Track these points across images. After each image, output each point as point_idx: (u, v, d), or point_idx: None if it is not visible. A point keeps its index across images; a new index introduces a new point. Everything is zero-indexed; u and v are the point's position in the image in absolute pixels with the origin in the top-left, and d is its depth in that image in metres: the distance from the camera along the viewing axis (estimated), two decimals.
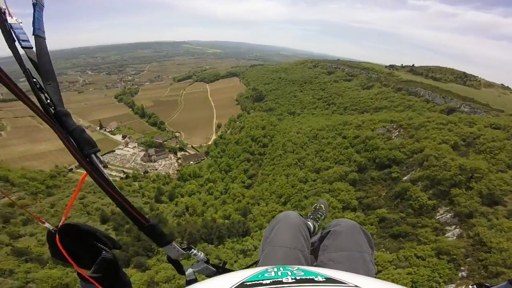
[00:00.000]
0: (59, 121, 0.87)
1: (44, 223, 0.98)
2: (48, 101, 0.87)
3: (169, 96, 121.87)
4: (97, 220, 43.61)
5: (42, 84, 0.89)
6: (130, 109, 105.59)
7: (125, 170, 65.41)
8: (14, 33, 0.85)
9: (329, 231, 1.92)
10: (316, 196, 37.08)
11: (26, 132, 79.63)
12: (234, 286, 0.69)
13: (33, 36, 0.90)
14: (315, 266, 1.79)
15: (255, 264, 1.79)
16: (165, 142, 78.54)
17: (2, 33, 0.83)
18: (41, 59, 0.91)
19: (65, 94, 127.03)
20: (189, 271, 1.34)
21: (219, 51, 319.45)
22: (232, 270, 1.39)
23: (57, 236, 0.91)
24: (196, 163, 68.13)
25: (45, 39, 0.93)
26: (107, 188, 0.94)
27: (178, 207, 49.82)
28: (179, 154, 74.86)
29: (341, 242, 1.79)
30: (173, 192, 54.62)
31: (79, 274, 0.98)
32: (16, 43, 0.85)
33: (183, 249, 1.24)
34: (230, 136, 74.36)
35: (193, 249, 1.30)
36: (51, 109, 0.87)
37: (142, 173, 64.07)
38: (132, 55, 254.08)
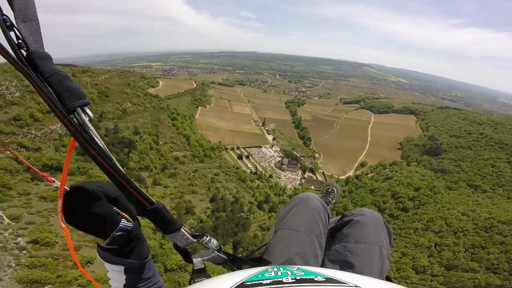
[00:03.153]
0: (31, 64, 0.68)
1: (54, 182, 0.89)
2: (20, 41, 0.67)
3: (328, 116, 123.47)
4: None
5: (13, 21, 0.67)
6: (291, 117, 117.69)
7: (257, 166, 73.82)
8: None
9: (352, 219, 1.80)
10: None
11: (219, 109, 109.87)
12: (234, 286, 0.67)
13: None
14: (328, 254, 1.73)
15: (264, 246, 1.74)
16: (301, 158, 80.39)
17: None
18: None
19: (254, 90, 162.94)
20: (197, 259, 1.21)
21: (403, 81, 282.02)
22: (242, 259, 1.33)
23: (60, 202, 0.77)
24: (316, 190, 65.47)
25: None
26: (97, 157, 0.72)
27: (269, 221, 50.36)
28: (306, 174, 74.55)
29: (362, 233, 1.70)
30: (275, 205, 55.43)
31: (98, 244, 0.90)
32: None
33: (193, 236, 1.08)
34: (368, 181, 65.33)
35: (205, 237, 1.16)
36: (22, 50, 0.68)
37: (267, 176, 69.43)
38: (314, 68, 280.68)
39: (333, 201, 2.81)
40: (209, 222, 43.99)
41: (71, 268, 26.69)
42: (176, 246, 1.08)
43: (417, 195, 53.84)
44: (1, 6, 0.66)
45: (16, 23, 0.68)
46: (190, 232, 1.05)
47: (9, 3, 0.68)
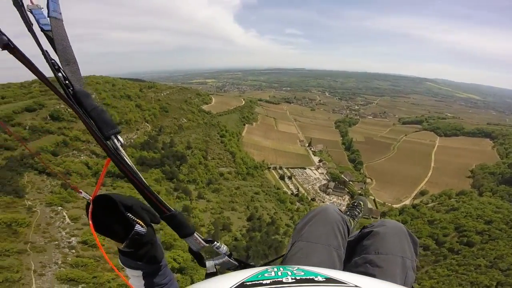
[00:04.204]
0: (77, 100, 0.89)
1: (81, 193, 1.03)
2: (67, 81, 0.89)
3: (384, 138, 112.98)
4: None
5: (60, 65, 0.89)
6: (341, 138, 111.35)
7: (300, 188, 71.29)
8: (34, 17, 0.88)
9: (371, 231, 1.77)
10: None
11: (265, 128, 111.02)
12: (234, 286, 0.69)
13: (48, 18, 0.90)
14: (348, 267, 1.70)
15: (281, 257, 1.74)
16: (350, 182, 75.22)
17: (21, 17, 0.85)
18: (58, 41, 0.90)
19: (301, 108, 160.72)
20: (210, 263, 1.34)
21: (475, 97, 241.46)
22: (253, 266, 1.36)
23: (90, 207, 0.94)
24: (364, 218, 58.79)
25: (61, 21, 0.93)
26: (127, 173, 0.94)
27: None
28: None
29: (383, 244, 1.67)
30: None
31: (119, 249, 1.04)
32: (36, 27, 0.87)
33: (205, 241, 1.22)
34: (427, 211, 57.62)
35: (215, 242, 1.28)
36: (69, 89, 0.89)
37: (309, 198, 66.36)
38: (367, 84, 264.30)
39: (360, 215, 2.68)
40: (243, 241, 43.71)
41: (108, 270, 28.63)
42: (190, 250, 1.23)
43: (488, 228, 45.68)
44: (48, 52, 0.87)
45: (61, 66, 0.89)
46: (202, 237, 1.19)
47: (54, 49, 0.90)
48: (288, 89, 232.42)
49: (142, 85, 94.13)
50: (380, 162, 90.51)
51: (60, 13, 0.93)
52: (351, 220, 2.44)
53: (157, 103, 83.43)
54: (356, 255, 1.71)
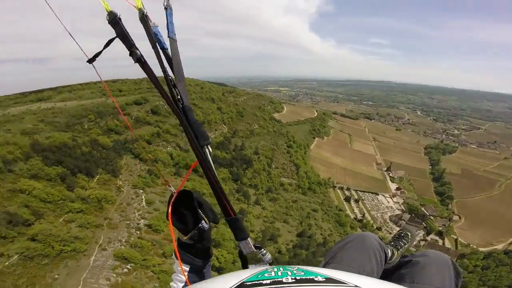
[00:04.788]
0: (184, 114, 1.05)
1: (170, 186, 1.21)
2: (178, 96, 1.05)
3: (489, 173, 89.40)
4: None
5: (175, 82, 1.05)
6: (430, 167, 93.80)
7: (366, 214, 64.63)
8: (156, 35, 1.01)
9: (411, 260, 1.74)
10: None
11: (337, 143, 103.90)
12: (234, 286, 0.69)
13: (168, 38, 1.05)
14: None
15: None
16: (430, 217, 64.15)
17: (147, 36, 1.00)
18: (174, 60, 1.05)
19: (384, 126, 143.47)
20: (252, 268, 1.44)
21: None
22: None
23: (173, 198, 1.13)
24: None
25: (176, 41, 1.07)
26: (210, 176, 1.09)
27: None
28: (430, 236, 59.33)
29: (420, 273, 1.62)
30: None
31: (178, 239, 1.21)
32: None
33: (255, 247, 1.31)
34: None
35: (263, 249, 1.34)
36: (180, 103, 1.05)
37: (374, 227, 59.62)
38: (474, 105, 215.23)
39: (405, 246, 2.52)
40: (286, 256, 42.01)
41: (158, 256, 30.80)
42: (240, 253, 1.31)
43: None
44: (167, 69, 1.03)
45: (175, 82, 1.06)
46: (253, 244, 1.29)
47: (170, 67, 1.05)
48: (370, 103, 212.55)
49: (224, 90, 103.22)
50: (477, 200, 73.29)
51: (175, 34, 1.07)
52: (394, 250, 2.21)
53: (235, 107, 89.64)
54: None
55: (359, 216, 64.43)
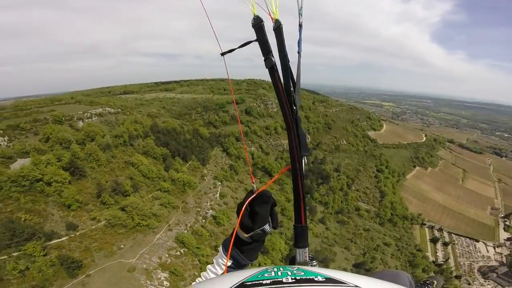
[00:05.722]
0: (296, 124, 1.09)
1: (254, 182, 1.27)
2: (294, 107, 1.10)
3: None
4: None
5: (294, 94, 1.11)
6: None
7: (450, 260, 53.95)
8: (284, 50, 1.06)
9: None
10: None
11: (444, 178, 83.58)
12: (234, 286, 0.69)
13: (298, 53, 1.16)
14: None
15: None
16: None
17: (278, 46, 1.04)
18: (298, 73, 1.15)
19: None
20: None
21: None
22: None
23: (253, 196, 1.16)
24: None
25: (301, 56, 1.18)
26: (298, 183, 1.10)
27: None
28: None
29: None
30: None
31: (237, 234, 1.23)
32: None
33: (309, 257, 1.32)
34: None
35: (314, 261, 1.34)
36: (295, 115, 1.10)
37: (453, 274, 49.82)
38: None
39: None
40: None
41: (210, 247, 31.84)
42: (292, 260, 1.30)
43: None
44: (290, 80, 1.10)
45: (294, 94, 1.13)
46: (308, 254, 1.30)
47: (291, 80, 1.12)
48: (505, 135, 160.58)
49: (315, 98, 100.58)
50: None
51: (301, 49, 1.18)
52: None
53: (323, 118, 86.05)
54: None
55: (440, 260, 53.64)
